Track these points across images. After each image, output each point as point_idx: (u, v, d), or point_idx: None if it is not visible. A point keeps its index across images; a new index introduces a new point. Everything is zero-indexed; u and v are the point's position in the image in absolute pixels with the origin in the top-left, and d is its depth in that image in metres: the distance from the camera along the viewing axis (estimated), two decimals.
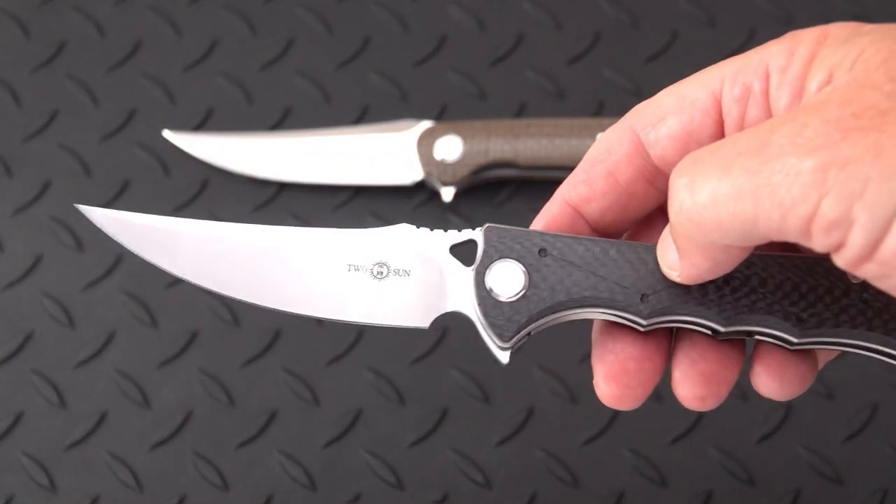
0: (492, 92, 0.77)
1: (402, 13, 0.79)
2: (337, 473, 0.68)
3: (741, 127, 0.45)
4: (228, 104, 0.77)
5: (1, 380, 0.71)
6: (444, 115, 0.76)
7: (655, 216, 0.49)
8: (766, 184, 0.38)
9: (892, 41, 0.40)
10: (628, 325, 0.47)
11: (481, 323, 0.47)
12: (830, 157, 0.37)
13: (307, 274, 0.48)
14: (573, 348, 0.70)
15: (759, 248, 0.42)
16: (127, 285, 0.72)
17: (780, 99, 0.43)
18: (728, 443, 0.67)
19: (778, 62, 0.44)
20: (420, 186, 0.74)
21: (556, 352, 0.69)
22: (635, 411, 0.68)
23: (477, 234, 0.47)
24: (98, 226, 0.49)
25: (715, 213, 0.40)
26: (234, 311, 0.71)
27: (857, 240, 0.38)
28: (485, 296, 0.47)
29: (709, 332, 0.46)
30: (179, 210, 0.74)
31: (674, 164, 0.43)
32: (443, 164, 0.73)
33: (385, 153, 0.74)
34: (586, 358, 0.69)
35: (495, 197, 0.74)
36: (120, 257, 0.73)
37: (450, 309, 0.48)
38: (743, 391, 0.66)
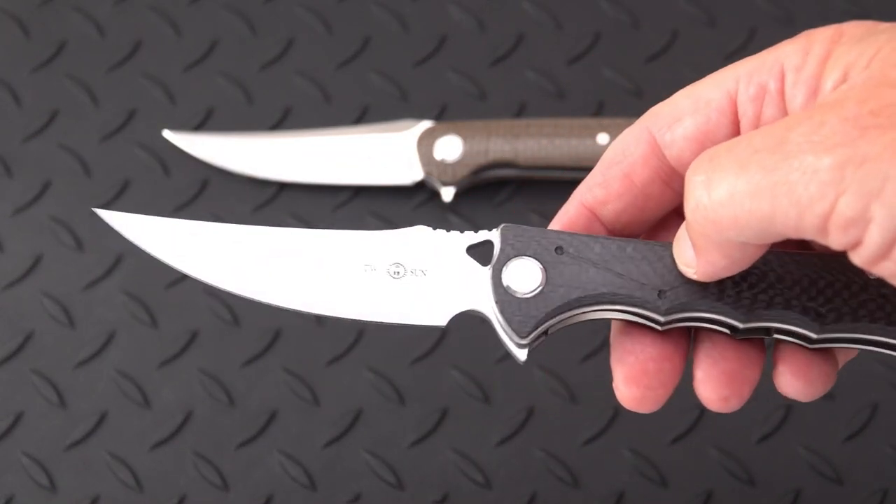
0: (492, 92, 0.77)
1: (402, 13, 0.79)
2: (337, 473, 0.68)
3: (757, 126, 0.45)
4: (228, 104, 0.77)
5: (1, 380, 0.71)
6: (444, 115, 0.76)
7: (671, 218, 0.49)
8: (783, 181, 0.38)
9: None
10: (646, 326, 0.47)
11: (498, 320, 0.47)
12: (848, 154, 0.37)
13: (324, 275, 0.48)
14: (573, 348, 0.70)
15: (774, 244, 0.42)
16: (127, 285, 0.72)
17: (796, 98, 0.43)
18: (728, 443, 0.67)
19: (793, 61, 0.43)
20: (420, 186, 0.74)
21: (556, 352, 0.69)
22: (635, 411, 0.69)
23: (493, 235, 0.48)
24: (119, 232, 0.49)
25: (731, 210, 0.40)
26: (234, 311, 0.71)
27: (874, 238, 0.38)
28: (502, 293, 0.47)
29: (727, 330, 0.46)
30: (179, 210, 0.74)
31: (690, 164, 0.43)
32: (443, 164, 0.73)
33: (385, 153, 0.74)
34: (586, 358, 0.70)
35: (495, 197, 0.74)
36: (120, 257, 0.73)
37: (467, 307, 0.48)
38: None
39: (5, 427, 0.69)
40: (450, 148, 0.73)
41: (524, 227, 0.47)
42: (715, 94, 0.45)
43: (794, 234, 0.39)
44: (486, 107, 0.76)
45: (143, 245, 0.49)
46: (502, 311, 0.47)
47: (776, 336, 0.46)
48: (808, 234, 0.39)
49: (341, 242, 0.48)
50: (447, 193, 0.73)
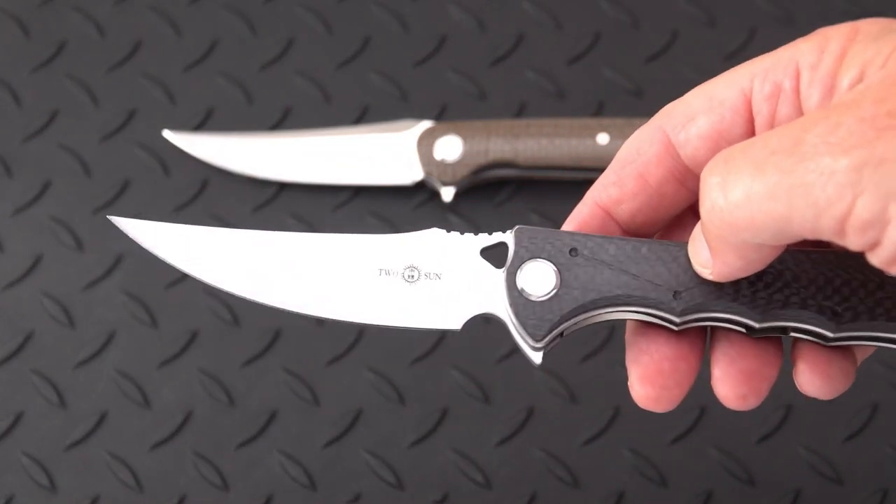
0: (492, 92, 0.77)
1: (402, 13, 0.79)
2: (337, 473, 0.68)
3: (772, 125, 0.45)
4: (228, 104, 0.77)
5: (1, 380, 0.71)
6: (444, 115, 0.76)
7: (686, 215, 0.49)
8: (800, 183, 0.38)
9: None
10: (661, 326, 0.47)
11: (513, 323, 0.47)
12: (865, 156, 0.37)
13: (338, 279, 0.48)
14: (573, 348, 0.70)
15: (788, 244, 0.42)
16: (127, 285, 0.72)
17: (812, 97, 0.43)
18: (728, 443, 0.67)
19: (808, 60, 0.43)
20: (420, 186, 0.74)
21: (556, 352, 0.69)
22: (635, 411, 0.69)
23: (507, 237, 0.47)
24: (132, 237, 0.49)
25: (748, 212, 0.40)
26: (234, 311, 0.71)
27: (892, 239, 0.38)
28: (516, 296, 0.46)
29: (743, 329, 0.46)
30: (179, 210, 0.74)
31: (704, 163, 0.43)
32: (443, 164, 0.73)
33: (385, 153, 0.74)
34: (586, 358, 0.70)
35: (495, 197, 0.74)
36: (120, 257, 0.73)
37: (482, 311, 0.47)
38: None
39: (5, 427, 0.69)
40: (450, 148, 0.73)
41: (538, 228, 0.47)
42: (729, 92, 0.45)
43: (810, 236, 0.39)
44: (486, 107, 0.76)
45: (159, 252, 0.49)
46: (517, 315, 0.46)
47: (793, 334, 0.46)
48: (826, 236, 0.39)
49: (357, 247, 0.48)
50: (447, 193, 0.73)
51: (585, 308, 0.46)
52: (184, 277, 0.70)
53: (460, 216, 0.73)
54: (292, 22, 0.79)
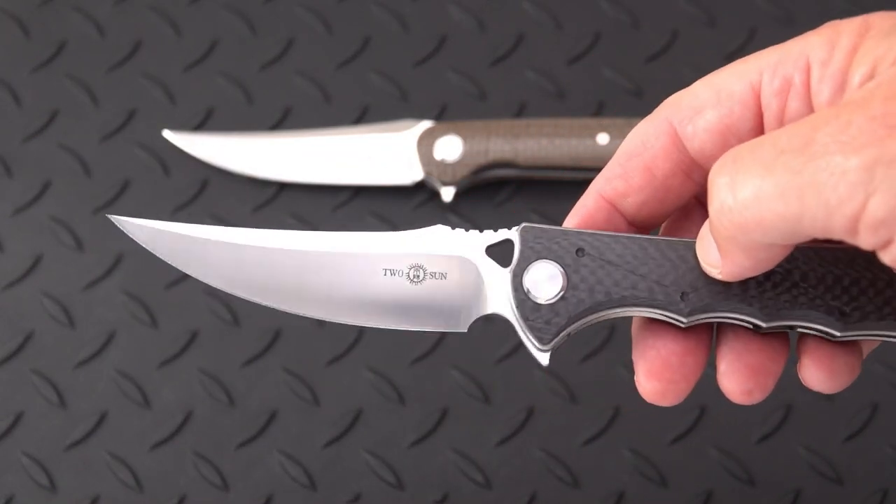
0: (492, 92, 0.77)
1: (402, 13, 0.79)
2: (337, 473, 0.68)
3: (781, 120, 0.44)
4: (228, 104, 0.77)
5: (1, 380, 0.71)
6: (444, 115, 0.76)
7: (692, 206, 0.49)
8: (810, 183, 0.38)
9: None
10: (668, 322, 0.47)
11: (520, 326, 0.46)
12: (877, 154, 0.37)
13: (342, 280, 0.47)
14: (573, 348, 0.69)
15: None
16: (127, 285, 0.72)
17: (822, 93, 0.43)
18: (728, 443, 0.67)
19: (819, 55, 0.43)
20: (420, 186, 0.74)
21: (556, 351, 0.69)
22: (635, 411, 0.69)
23: (513, 234, 0.47)
24: (132, 237, 0.49)
25: (758, 212, 0.39)
26: (234, 311, 0.71)
27: None
28: (523, 298, 0.46)
29: (750, 326, 0.46)
30: (179, 210, 0.74)
31: (712, 157, 0.43)
32: (443, 164, 0.73)
33: (385, 153, 0.74)
34: (586, 358, 0.70)
35: (495, 197, 0.74)
36: (120, 257, 0.73)
37: (488, 311, 0.47)
38: None
39: (5, 427, 0.69)
40: (450, 148, 0.73)
41: (544, 227, 0.46)
42: (737, 85, 0.45)
43: (822, 235, 0.39)
44: (486, 107, 0.76)
45: (158, 252, 0.48)
46: (524, 318, 0.46)
47: (800, 330, 0.46)
48: (837, 235, 0.39)
49: (361, 246, 0.48)
50: (447, 193, 0.73)
51: (593, 310, 0.46)
52: (184, 277, 0.70)
53: (460, 216, 0.73)
54: (292, 22, 0.79)
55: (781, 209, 0.39)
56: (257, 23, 0.79)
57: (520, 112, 0.76)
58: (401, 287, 0.47)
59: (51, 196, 0.75)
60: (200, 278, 0.48)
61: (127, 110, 0.77)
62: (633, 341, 0.47)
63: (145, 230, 0.49)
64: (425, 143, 0.73)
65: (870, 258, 0.43)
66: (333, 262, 0.48)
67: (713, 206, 0.41)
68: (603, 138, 0.72)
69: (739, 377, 0.46)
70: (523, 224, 0.47)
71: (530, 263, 0.46)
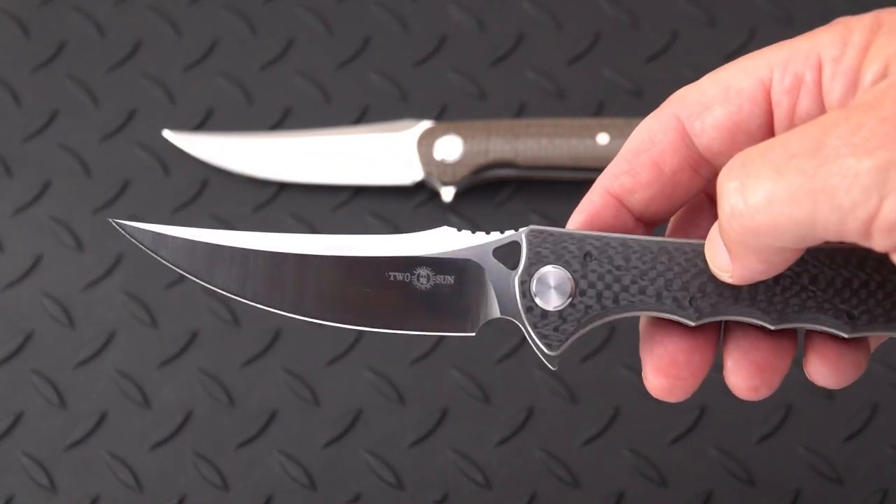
0: (492, 92, 0.77)
1: (402, 13, 0.79)
2: (337, 473, 0.68)
3: (792, 118, 0.44)
4: (228, 104, 0.77)
5: (1, 380, 0.71)
6: (444, 115, 0.76)
7: (700, 201, 0.48)
8: (823, 186, 0.38)
9: None
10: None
11: (529, 332, 0.46)
12: (890, 156, 0.37)
13: (349, 284, 0.47)
14: (573, 348, 0.69)
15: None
16: (127, 285, 0.72)
17: (834, 90, 0.42)
18: (728, 443, 0.67)
19: (830, 52, 0.42)
20: (420, 186, 0.74)
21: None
22: (635, 411, 0.69)
23: (519, 237, 0.46)
24: (135, 242, 0.49)
25: (769, 216, 0.39)
26: (234, 311, 0.71)
27: None
28: (531, 305, 0.46)
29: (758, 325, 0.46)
30: (179, 210, 0.74)
31: (720, 153, 0.42)
32: (443, 164, 0.73)
33: (385, 153, 0.74)
34: (586, 358, 0.70)
35: (495, 197, 0.74)
36: (120, 257, 0.73)
37: (496, 315, 0.47)
38: None
39: (5, 427, 0.69)
40: (450, 148, 0.73)
41: (551, 230, 0.46)
42: (746, 82, 0.44)
43: (835, 238, 0.39)
44: (486, 107, 0.76)
45: (161, 257, 0.48)
46: (533, 325, 0.46)
47: (808, 328, 0.46)
48: (851, 238, 0.38)
49: (366, 250, 0.47)
50: (447, 193, 0.73)
51: (600, 316, 0.46)
52: (184, 277, 0.70)
53: (460, 216, 0.73)
54: (292, 22, 0.79)
55: (794, 213, 0.38)
56: (257, 23, 0.79)
57: (520, 112, 0.76)
58: (408, 292, 0.47)
59: (51, 196, 0.75)
60: (202, 283, 0.48)
61: (127, 110, 0.77)
62: (641, 338, 0.47)
63: (146, 234, 0.48)
64: (425, 143, 0.73)
65: (881, 259, 0.43)
66: (339, 265, 0.47)
67: (723, 210, 0.40)
68: (603, 138, 0.72)
69: (746, 374, 0.46)
70: (530, 227, 0.46)
71: (538, 269, 0.46)
